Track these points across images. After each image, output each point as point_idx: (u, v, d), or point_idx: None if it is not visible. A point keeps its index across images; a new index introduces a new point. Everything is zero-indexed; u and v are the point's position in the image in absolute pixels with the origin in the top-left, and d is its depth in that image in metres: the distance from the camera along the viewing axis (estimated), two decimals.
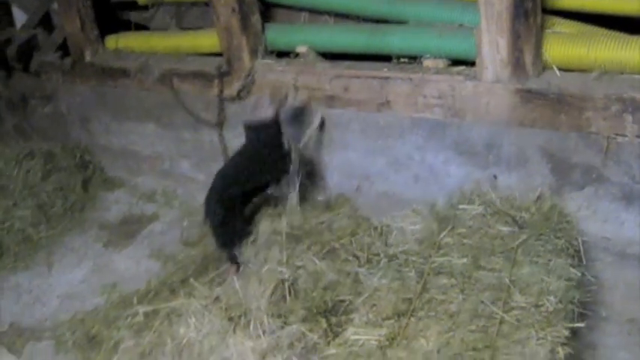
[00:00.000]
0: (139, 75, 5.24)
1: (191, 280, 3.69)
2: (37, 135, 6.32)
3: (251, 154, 4.20)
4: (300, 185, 4.20)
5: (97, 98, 5.68)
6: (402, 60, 4.23)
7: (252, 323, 3.13)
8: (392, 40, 4.19)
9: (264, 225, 4.01)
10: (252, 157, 4.18)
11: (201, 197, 5.04)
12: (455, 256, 3.36)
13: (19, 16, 6.44)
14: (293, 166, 4.15)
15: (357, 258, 3.59)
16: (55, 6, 5.84)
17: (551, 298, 2.97)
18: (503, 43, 3.62)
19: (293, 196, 4.17)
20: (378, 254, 3.60)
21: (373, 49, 4.30)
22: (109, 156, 5.83)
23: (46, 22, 6.21)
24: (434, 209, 3.75)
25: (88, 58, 5.62)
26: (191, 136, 5.14)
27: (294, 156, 4.16)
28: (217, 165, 4.92)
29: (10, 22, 6.56)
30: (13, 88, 6.44)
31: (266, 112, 4.14)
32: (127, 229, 5.02)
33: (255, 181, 4.16)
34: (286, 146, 4.15)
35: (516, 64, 3.64)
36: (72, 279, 4.58)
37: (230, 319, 3.18)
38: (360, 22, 4.54)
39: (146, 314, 3.72)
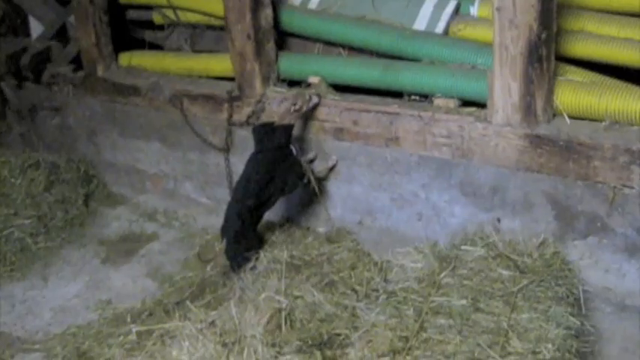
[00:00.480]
0: (150, 93, 5.26)
1: (187, 302, 3.67)
2: (43, 146, 6.33)
3: (261, 160, 4.19)
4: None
5: (106, 113, 5.69)
6: (412, 97, 4.26)
7: (246, 350, 3.08)
8: (404, 77, 4.22)
9: (264, 253, 4.00)
10: (263, 164, 4.17)
11: (202, 220, 5.12)
12: (454, 296, 3.34)
13: (36, 27, 6.47)
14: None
15: (356, 292, 3.57)
16: (72, 19, 5.87)
17: (549, 345, 2.95)
18: (515, 87, 3.64)
19: None
20: (376, 290, 3.59)
21: (385, 84, 4.32)
22: (113, 172, 5.83)
23: (61, 34, 6.24)
24: (435, 248, 3.75)
25: (100, 73, 5.64)
26: (197, 158, 5.14)
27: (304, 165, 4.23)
28: (221, 189, 4.97)
29: (27, 33, 6.60)
30: (23, 98, 6.45)
31: (279, 106, 4.22)
32: (126, 247, 4.99)
33: (267, 190, 4.16)
34: (295, 152, 4.19)
35: (527, 109, 3.66)
36: (67, 293, 4.54)
37: (224, 344, 3.14)
38: (374, 56, 4.57)
39: (139, 334, 3.69)
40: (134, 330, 3.74)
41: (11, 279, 4.76)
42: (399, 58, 4.38)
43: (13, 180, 5.35)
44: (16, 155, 5.68)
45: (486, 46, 3.90)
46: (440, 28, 4.37)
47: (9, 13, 6.70)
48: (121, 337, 3.78)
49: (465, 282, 3.41)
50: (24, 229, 5.07)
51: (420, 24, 4.44)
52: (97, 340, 3.92)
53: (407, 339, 3.11)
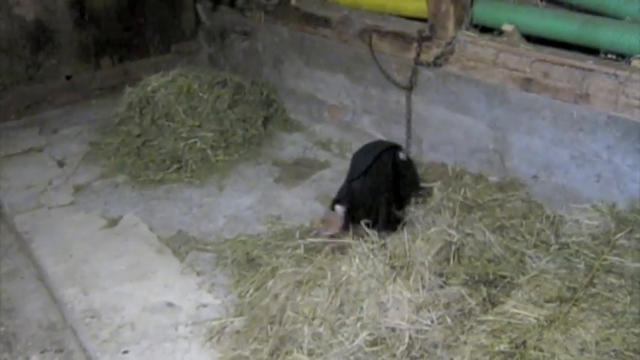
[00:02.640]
0: (340, 26, 5.37)
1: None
2: (229, 68, 6.63)
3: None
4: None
5: (294, 42, 5.87)
6: (609, 56, 4.12)
7: (413, 276, 3.18)
8: (603, 34, 4.07)
9: (436, 190, 4.05)
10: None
11: None
12: (629, 258, 3.29)
13: None
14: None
15: (526, 240, 3.57)
16: None
17: None
18: None
19: None
20: (546, 242, 3.57)
21: (581, 39, 4.19)
22: (293, 99, 6.02)
23: None
24: (614, 209, 3.66)
25: (293, 2, 5.80)
26: (378, 94, 5.22)
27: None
28: (398, 126, 5.04)
29: None
30: (216, 21, 6.76)
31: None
32: (298, 170, 5.17)
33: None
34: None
35: None
36: (240, 204, 4.76)
37: (393, 267, 3.24)
38: (572, 10, 4.45)
39: (307, 248, 3.86)
40: (302, 244, 3.92)
41: (190, 184, 5.06)
42: (599, 14, 4.25)
43: (201, 94, 5.62)
44: (205, 73, 5.96)
45: None
46: None
47: None
48: (289, 250, 3.95)
49: None
50: (206, 140, 5.36)
51: None
52: (266, 249, 4.10)
53: (575, 290, 3.10)
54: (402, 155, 4.24)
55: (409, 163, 4.33)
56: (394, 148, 4.27)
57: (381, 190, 4.03)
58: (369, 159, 4.11)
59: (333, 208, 4.00)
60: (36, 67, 6.42)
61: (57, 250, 4.33)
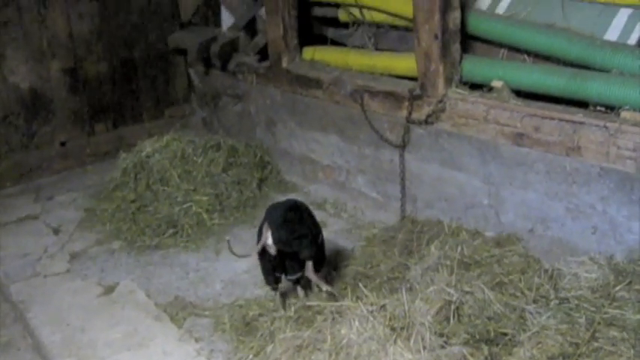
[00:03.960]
0: (331, 87, 5.43)
1: (360, 285, 3.76)
2: (222, 130, 6.68)
3: None
4: None
5: (286, 104, 5.93)
6: (598, 108, 4.17)
7: (413, 337, 3.14)
8: (591, 86, 4.12)
9: (434, 249, 4.05)
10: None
11: (370, 213, 5.24)
12: (629, 310, 3.28)
13: (226, 18, 6.83)
14: None
15: (525, 296, 3.55)
16: (263, 12, 6.15)
17: None
18: None
19: None
20: (546, 296, 3.56)
21: (570, 93, 4.25)
22: (287, 160, 6.06)
23: (249, 26, 6.55)
24: (612, 261, 3.66)
25: (284, 64, 5.88)
26: (371, 153, 5.25)
27: None
28: (393, 185, 5.06)
29: (217, 23, 6.99)
30: (208, 84, 6.84)
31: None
32: None
33: None
34: None
35: None
36: (237, 267, 4.74)
37: (393, 328, 3.21)
38: (559, 64, 4.51)
39: (306, 310, 3.85)
40: (299, 305, 3.93)
41: (186, 249, 5.05)
42: (586, 67, 4.31)
43: (195, 158, 5.66)
44: (199, 136, 6.01)
45: None
46: (633, 39, 4.25)
47: (203, 5, 7.12)
48: (289, 312, 3.95)
49: None
50: (202, 204, 5.37)
51: (612, 34, 4.34)
52: (264, 313, 4.09)
53: (577, 345, 3.08)
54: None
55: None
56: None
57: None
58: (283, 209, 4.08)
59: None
60: (31, 135, 6.46)
61: (53, 319, 4.28)
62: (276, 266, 4.05)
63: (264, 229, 3.93)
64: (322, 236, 4.16)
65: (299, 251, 3.94)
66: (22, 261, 5.01)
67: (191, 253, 5.01)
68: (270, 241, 3.88)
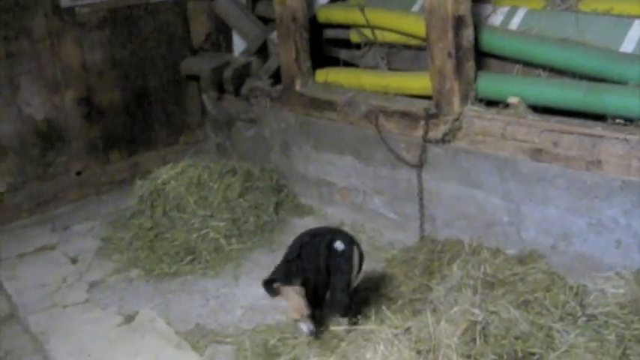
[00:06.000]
0: (346, 109, 5.42)
1: (383, 307, 3.72)
2: (237, 155, 6.67)
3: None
4: None
5: (301, 126, 5.91)
6: (617, 121, 4.13)
7: (440, 359, 3.11)
8: (609, 99, 4.11)
9: (456, 268, 4.00)
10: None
11: (389, 234, 5.19)
12: None
13: (238, 43, 6.86)
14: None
15: (552, 314, 3.49)
16: (274, 36, 6.17)
17: None
18: None
19: None
20: (572, 314, 3.50)
21: (588, 106, 4.22)
22: (303, 183, 6.04)
23: (261, 50, 6.56)
24: (638, 275, 3.60)
25: (297, 87, 5.88)
26: (388, 174, 5.22)
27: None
28: (410, 205, 5.02)
29: (229, 48, 7.01)
30: (222, 110, 6.84)
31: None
32: None
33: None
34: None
35: None
36: (256, 293, 4.67)
37: (418, 352, 3.17)
38: (575, 78, 4.49)
39: (331, 335, 3.80)
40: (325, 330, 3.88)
41: (205, 276, 5.02)
42: (603, 81, 4.28)
43: (211, 184, 5.64)
44: (214, 162, 6.00)
45: None
46: None
47: (214, 31, 7.14)
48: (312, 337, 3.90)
49: None
50: (219, 230, 5.35)
51: (628, 46, 4.32)
52: (286, 338, 4.05)
53: None
54: (338, 244, 3.97)
55: (347, 254, 3.98)
56: (333, 234, 4.10)
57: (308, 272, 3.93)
58: (301, 242, 4.06)
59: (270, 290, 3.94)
60: (46, 165, 6.47)
61: (73, 350, 4.25)
62: None
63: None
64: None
65: None
66: (41, 291, 4.99)
67: (210, 279, 4.98)
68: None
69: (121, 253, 5.42)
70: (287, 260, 4.03)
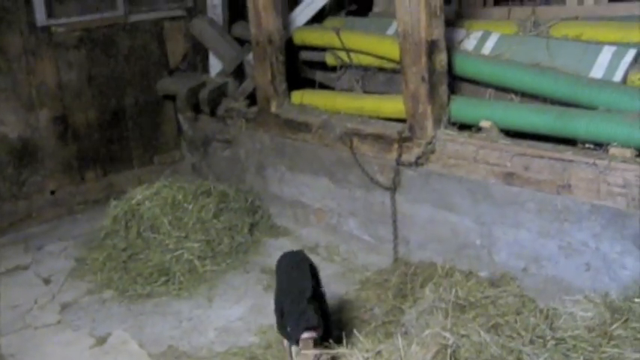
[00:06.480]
0: (320, 131, 5.45)
1: (354, 331, 3.72)
2: (213, 176, 6.67)
3: None
4: None
5: (276, 148, 5.94)
6: (587, 146, 4.19)
7: None
8: (579, 124, 4.16)
9: (428, 291, 4.02)
10: None
11: (363, 256, 5.21)
12: (628, 349, 3.24)
13: (214, 64, 6.88)
14: None
15: (522, 337, 3.52)
16: (250, 57, 6.20)
17: None
18: None
19: None
20: (542, 337, 3.52)
21: (558, 131, 4.28)
22: (278, 204, 6.05)
23: (238, 72, 6.59)
24: (607, 299, 3.64)
25: (273, 109, 5.91)
26: (362, 196, 5.25)
27: None
28: (384, 227, 5.04)
29: (205, 69, 7.03)
30: (198, 130, 6.85)
31: None
32: None
33: None
34: None
35: None
36: (230, 315, 4.71)
37: None
38: (546, 103, 4.55)
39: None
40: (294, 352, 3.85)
41: (179, 297, 5.00)
42: (573, 105, 4.34)
43: (186, 205, 5.63)
44: (189, 182, 5.99)
45: None
46: (618, 76, 4.30)
47: (191, 51, 7.17)
48: None
49: (639, 335, 3.30)
50: (193, 251, 5.34)
51: (597, 72, 4.39)
52: None
53: None
54: None
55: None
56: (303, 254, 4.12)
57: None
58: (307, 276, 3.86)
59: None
60: (20, 184, 6.43)
61: None
62: None
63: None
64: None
65: None
66: (12, 313, 4.95)
67: (184, 300, 4.96)
68: None
69: (94, 273, 5.38)
70: (306, 299, 3.66)
